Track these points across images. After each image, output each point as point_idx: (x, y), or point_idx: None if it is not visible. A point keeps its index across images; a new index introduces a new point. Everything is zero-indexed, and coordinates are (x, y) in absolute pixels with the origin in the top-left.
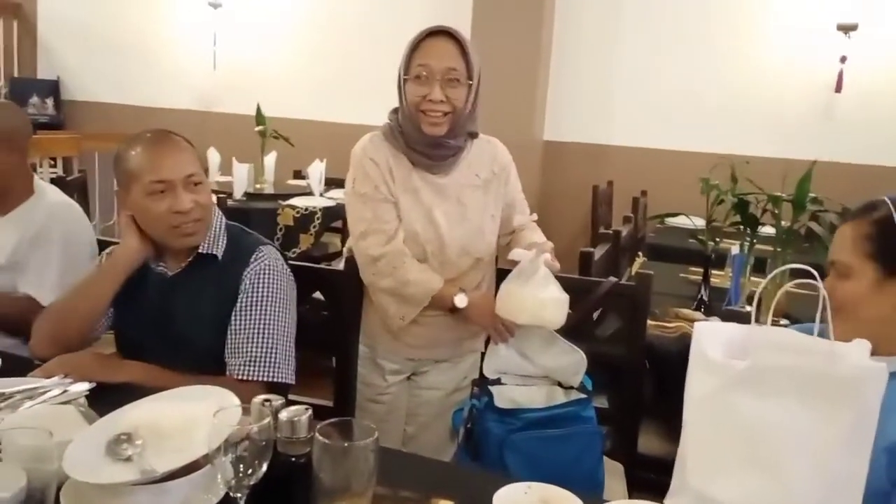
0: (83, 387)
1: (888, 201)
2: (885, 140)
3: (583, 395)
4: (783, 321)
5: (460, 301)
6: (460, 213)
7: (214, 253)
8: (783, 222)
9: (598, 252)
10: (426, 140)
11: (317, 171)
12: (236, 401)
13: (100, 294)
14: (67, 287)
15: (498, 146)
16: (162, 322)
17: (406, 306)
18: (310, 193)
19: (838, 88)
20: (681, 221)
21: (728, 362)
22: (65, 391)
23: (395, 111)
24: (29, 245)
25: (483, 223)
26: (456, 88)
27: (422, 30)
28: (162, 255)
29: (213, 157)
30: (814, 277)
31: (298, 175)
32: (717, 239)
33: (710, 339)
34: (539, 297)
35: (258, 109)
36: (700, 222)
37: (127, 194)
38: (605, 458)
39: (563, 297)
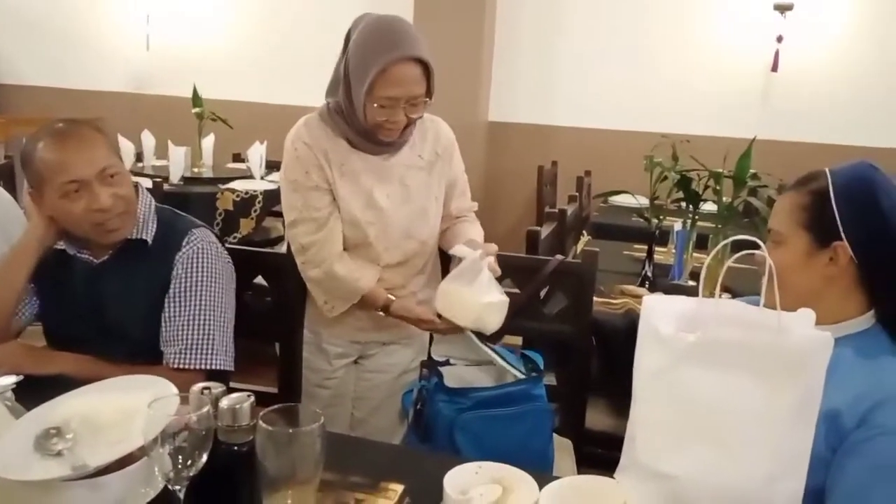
0: (9, 380)
1: (827, 173)
2: (820, 117)
3: (533, 374)
4: (725, 295)
5: (381, 313)
6: (403, 194)
7: (143, 238)
8: (724, 198)
9: (545, 231)
10: (373, 139)
11: (257, 154)
12: (173, 389)
13: (12, 279)
14: None
15: (441, 126)
16: (91, 312)
17: (334, 299)
18: (250, 177)
19: (775, 68)
20: (624, 200)
21: (678, 335)
22: None
23: (334, 93)
24: None
25: (427, 205)
26: (417, 108)
27: (388, 50)
28: (84, 242)
29: (148, 140)
30: (759, 248)
31: (238, 158)
32: (661, 217)
33: (660, 312)
34: (483, 301)
35: (195, 91)
36: (644, 201)
37: (41, 197)
38: (554, 434)
39: (505, 300)
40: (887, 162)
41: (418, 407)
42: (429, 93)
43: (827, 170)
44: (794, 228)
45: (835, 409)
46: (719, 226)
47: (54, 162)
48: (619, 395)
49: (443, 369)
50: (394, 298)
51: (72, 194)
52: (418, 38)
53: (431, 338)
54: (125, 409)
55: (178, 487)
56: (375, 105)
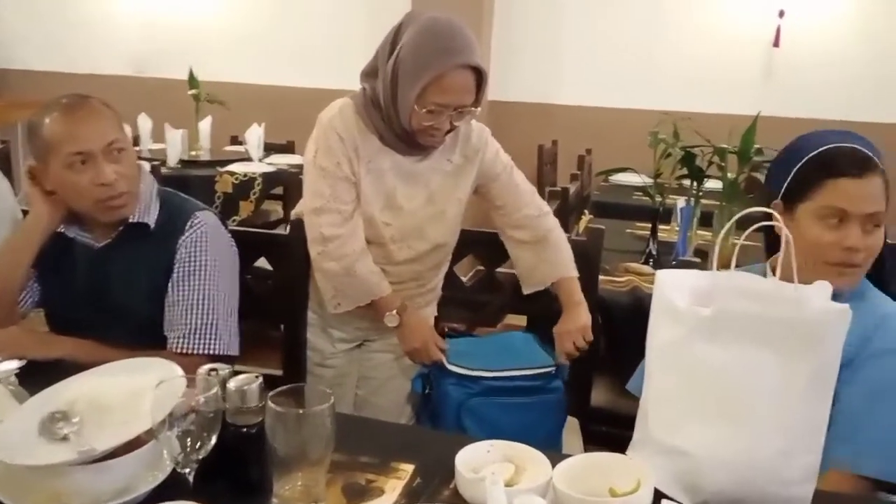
0: (13, 364)
1: (871, 152)
2: (824, 93)
3: (549, 368)
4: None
5: (390, 320)
6: (425, 196)
7: (146, 221)
8: (729, 174)
9: None
10: (411, 141)
11: (255, 136)
12: (180, 371)
13: (14, 265)
14: None
15: (474, 129)
16: (94, 296)
17: (344, 297)
18: (248, 159)
19: (776, 43)
20: (626, 178)
21: (692, 309)
22: None
23: (371, 80)
24: None
25: (446, 208)
26: (463, 115)
27: (445, 55)
28: (86, 224)
29: (145, 123)
30: (771, 218)
31: (236, 141)
32: (664, 194)
33: (674, 286)
34: None
35: (191, 73)
36: (647, 179)
37: (45, 168)
38: None
39: None
40: (891, 136)
41: (426, 391)
42: (477, 102)
43: (859, 147)
44: (886, 208)
45: None
46: (724, 203)
47: (63, 132)
48: (625, 373)
49: (450, 344)
50: (407, 305)
51: (77, 165)
52: (474, 43)
53: (437, 318)
54: (131, 392)
55: (187, 470)
56: (424, 110)
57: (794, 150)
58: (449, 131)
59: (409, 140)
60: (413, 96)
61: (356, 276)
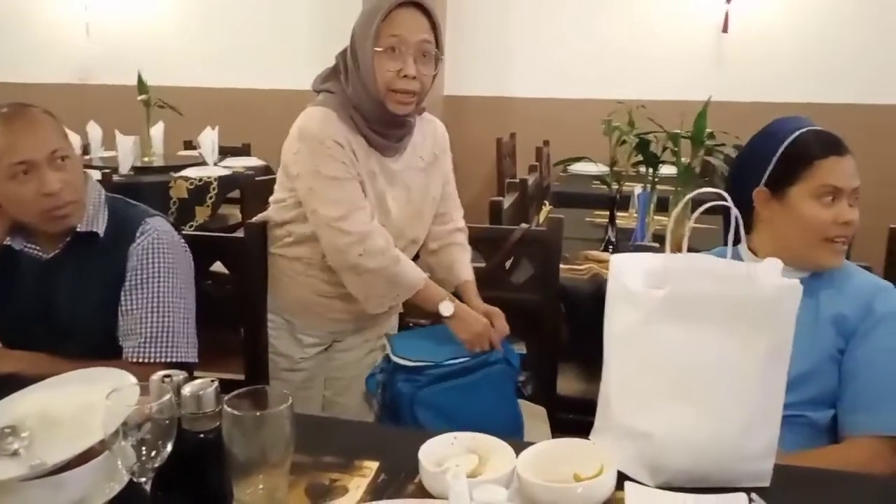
0: None
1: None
2: (773, 77)
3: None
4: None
5: (446, 309)
6: (406, 197)
7: (95, 230)
8: (683, 159)
9: (507, 201)
10: (386, 118)
11: (209, 140)
12: (132, 379)
13: None
14: None
15: (438, 126)
16: (44, 309)
17: (392, 291)
18: (203, 163)
19: (725, 29)
20: (584, 168)
21: (648, 292)
22: None
23: (332, 80)
24: None
25: (424, 207)
26: (428, 64)
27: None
28: (33, 235)
29: (94, 131)
30: (725, 200)
31: (189, 145)
32: (621, 182)
33: (629, 270)
34: None
35: (139, 78)
36: (603, 167)
37: None
38: (527, 402)
39: None
40: (837, 117)
41: (381, 390)
42: (438, 45)
43: (820, 128)
44: None
45: (840, 312)
46: (679, 187)
47: (3, 143)
48: (589, 360)
49: (397, 339)
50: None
51: (20, 176)
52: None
53: (402, 314)
54: (83, 403)
55: (143, 480)
56: (384, 50)
57: (767, 139)
58: (420, 98)
59: (385, 121)
60: (370, 40)
61: (401, 264)
